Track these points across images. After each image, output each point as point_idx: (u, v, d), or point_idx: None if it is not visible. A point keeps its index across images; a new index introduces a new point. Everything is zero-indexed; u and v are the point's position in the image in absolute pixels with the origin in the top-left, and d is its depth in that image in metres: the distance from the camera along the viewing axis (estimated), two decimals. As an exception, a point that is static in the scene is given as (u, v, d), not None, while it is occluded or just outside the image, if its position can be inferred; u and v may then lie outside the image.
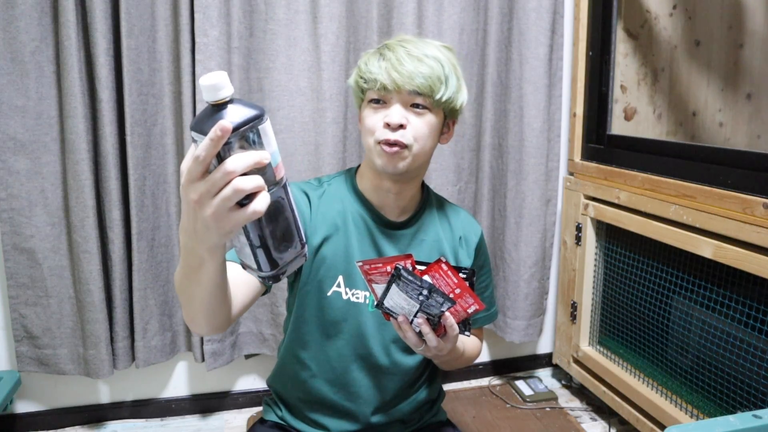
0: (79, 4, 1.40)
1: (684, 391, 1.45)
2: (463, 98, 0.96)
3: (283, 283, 1.64)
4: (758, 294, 1.22)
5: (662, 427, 1.46)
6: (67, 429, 1.68)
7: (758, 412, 0.84)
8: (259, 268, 0.61)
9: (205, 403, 1.80)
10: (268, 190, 0.55)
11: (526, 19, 1.72)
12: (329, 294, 0.98)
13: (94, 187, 1.49)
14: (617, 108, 1.81)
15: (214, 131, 0.50)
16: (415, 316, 0.82)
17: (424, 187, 1.07)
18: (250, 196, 0.54)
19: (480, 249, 1.07)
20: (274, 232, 0.59)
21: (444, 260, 0.81)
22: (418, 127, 0.91)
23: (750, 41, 1.89)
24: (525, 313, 1.88)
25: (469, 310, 0.83)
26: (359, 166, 1.04)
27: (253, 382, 1.84)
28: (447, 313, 0.81)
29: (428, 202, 1.05)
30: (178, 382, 1.78)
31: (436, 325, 0.83)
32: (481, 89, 1.79)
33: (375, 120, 0.92)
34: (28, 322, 1.53)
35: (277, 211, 0.58)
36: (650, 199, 1.46)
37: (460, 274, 0.83)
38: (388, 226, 1.01)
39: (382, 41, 1.65)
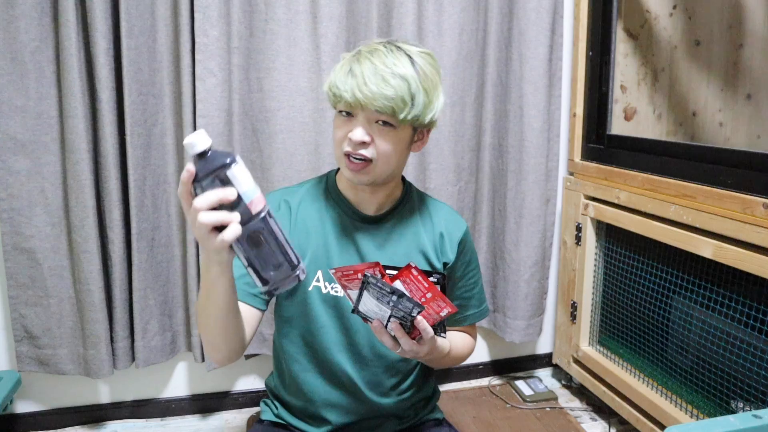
0: (79, 4, 1.40)
1: (684, 391, 1.45)
2: (433, 112, 0.95)
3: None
4: (758, 294, 1.22)
5: (662, 427, 1.46)
6: (67, 429, 1.68)
7: (758, 412, 0.84)
8: (256, 284, 0.74)
9: (205, 403, 1.80)
10: (247, 222, 0.69)
11: (526, 19, 1.72)
12: (310, 289, 1.02)
13: (94, 187, 1.49)
14: (617, 108, 1.81)
15: (183, 173, 0.68)
16: (388, 320, 0.84)
17: (405, 183, 1.08)
18: (224, 226, 0.68)
19: (464, 244, 1.08)
20: (259, 257, 0.72)
21: (413, 266, 0.83)
22: (381, 144, 0.93)
23: (750, 41, 1.89)
24: (525, 313, 1.88)
25: (442, 314, 0.84)
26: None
27: (253, 382, 1.84)
28: (419, 317, 0.82)
29: (408, 197, 1.07)
30: (178, 382, 1.78)
31: (411, 328, 0.85)
32: (481, 89, 1.79)
33: (342, 132, 0.95)
34: (28, 322, 1.53)
35: (258, 240, 0.71)
36: (650, 199, 1.46)
37: (431, 279, 0.83)
38: (365, 221, 1.03)
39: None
